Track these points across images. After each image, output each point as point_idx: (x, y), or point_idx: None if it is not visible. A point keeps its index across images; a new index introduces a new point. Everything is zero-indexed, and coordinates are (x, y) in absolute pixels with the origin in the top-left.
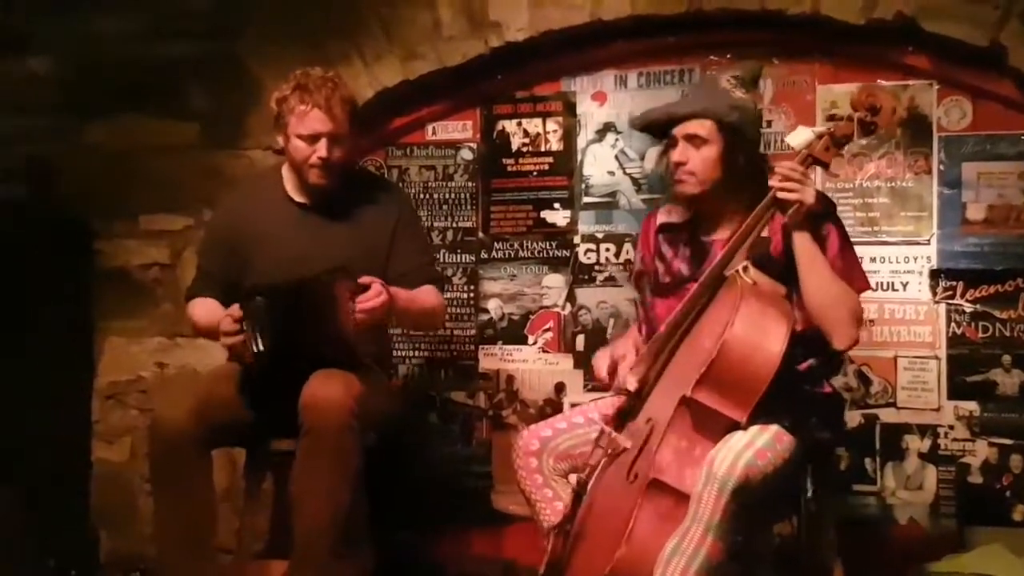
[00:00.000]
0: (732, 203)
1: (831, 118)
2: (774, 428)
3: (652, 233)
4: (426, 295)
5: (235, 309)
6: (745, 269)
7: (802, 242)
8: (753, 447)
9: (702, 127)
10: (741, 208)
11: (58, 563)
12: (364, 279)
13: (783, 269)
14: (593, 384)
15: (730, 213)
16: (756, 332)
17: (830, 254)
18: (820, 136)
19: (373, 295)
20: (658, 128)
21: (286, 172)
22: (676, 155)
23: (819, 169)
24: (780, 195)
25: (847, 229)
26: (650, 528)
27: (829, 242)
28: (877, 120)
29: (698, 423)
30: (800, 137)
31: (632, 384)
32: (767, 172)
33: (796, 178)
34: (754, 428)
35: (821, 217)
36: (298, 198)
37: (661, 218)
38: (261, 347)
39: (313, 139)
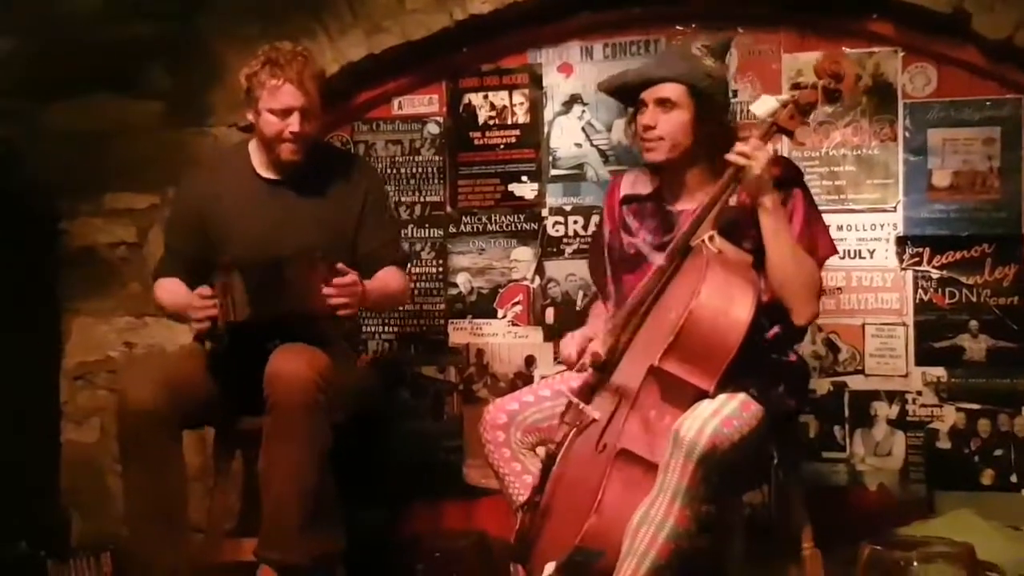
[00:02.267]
0: (701, 173)
1: (795, 87)
2: (741, 396)
3: (616, 205)
4: (392, 279)
5: (205, 289)
6: (711, 238)
7: (764, 215)
8: (720, 415)
9: (673, 91)
10: (710, 178)
11: (29, 545)
12: (340, 267)
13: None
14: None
15: (698, 183)
16: (722, 301)
17: (795, 222)
18: (784, 104)
19: (348, 285)
20: (627, 92)
21: (253, 148)
22: (645, 118)
23: (784, 137)
24: (736, 162)
25: (814, 197)
26: (619, 497)
27: (795, 210)
28: (841, 87)
29: (666, 393)
30: (764, 106)
31: (599, 351)
32: (735, 141)
33: (747, 148)
34: (721, 396)
35: (786, 184)
36: (266, 174)
37: (625, 189)
38: (235, 317)
39: (285, 113)
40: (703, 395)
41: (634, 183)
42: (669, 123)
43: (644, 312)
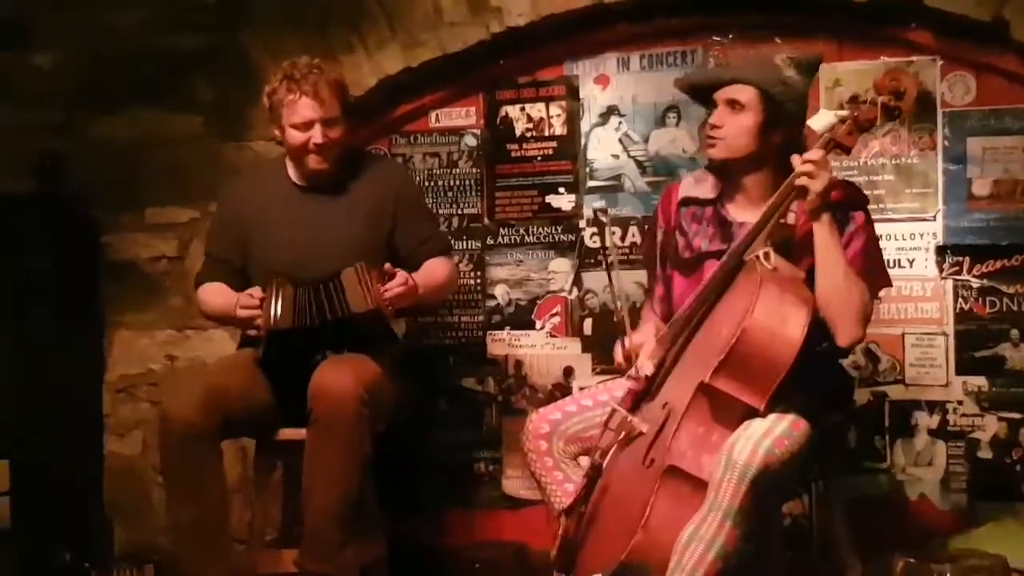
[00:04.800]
0: (764, 183)
1: (854, 100)
2: (791, 416)
3: (674, 206)
4: (438, 269)
5: (256, 290)
6: (766, 255)
7: (819, 232)
8: (772, 435)
9: (744, 93)
10: (772, 192)
11: (73, 556)
12: (388, 267)
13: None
14: (602, 368)
15: (760, 194)
16: (776, 319)
17: (854, 245)
18: (843, 120)
19: (400, 282)
20: (701, 92)
21: (288, 161)
22: (713, 117)
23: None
24: (798, 181)
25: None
26: (667, 514)
27: (855, 233)
28: (901, 105)
29: (716, 409)
30: (823, 121)
31: (648, 369)
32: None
33: (813, 166)
34: (772, 416)
35: (848, 208)
36: (301, 184)
37: (684, 191)
38: (277, 323)
39: (307, 126)
40: (753, 413)
41: (694, 186)
42: (735, 124)
43: (695, 326)
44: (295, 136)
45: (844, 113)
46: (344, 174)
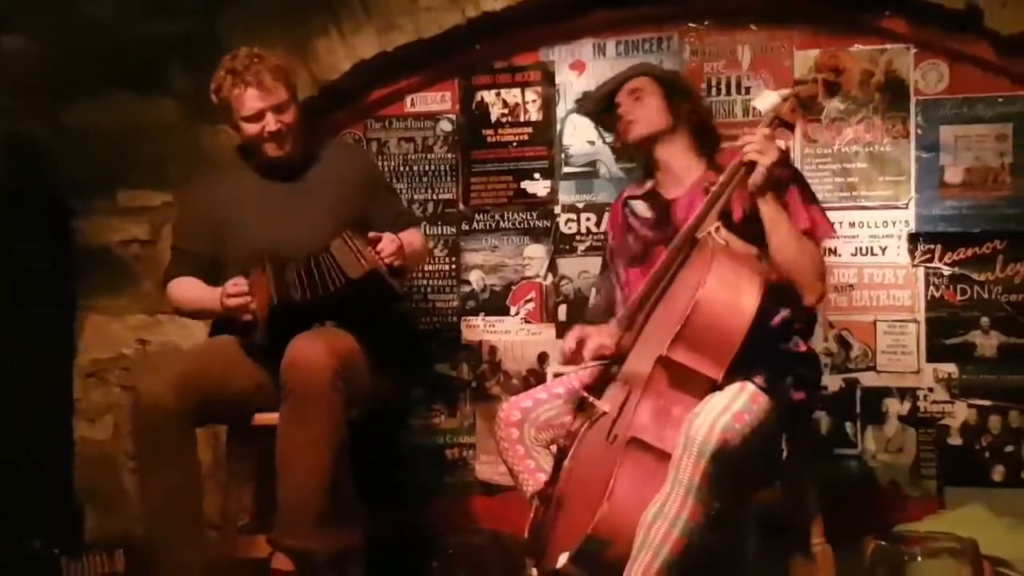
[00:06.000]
0: (686, 156)
1: (797, 82)
2: (751, 389)
3: (619, 209)
4: (413, 238)
5: (239, 278)
6: (717, 230)
7: (766, 203)
8: (730, 410)
9: (639, 84)
10: (698, 162)
11: (43, 542)
12: (372, 235)
13: (745, 235)
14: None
15: (686, 168)
16: (729, 289)
17: (797, 209)
18: (785, 98)
19: (389, 240)
20: (601, 107)
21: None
22: (620, 110)
23: (798, 134)
24: (747, 157)
25: (825, 193)
26: (631, 486)
27: (793, 198)
28: (840, 81)
29: (675, 382)
30: (766, 100)
31: (608, 348)
32: (714, 127)
33: (759, 139)
34: (731, 389)
35: (785, 177)
36: (264, 172)
37: (627, 192)
38: (275, 293)
39: (258, 117)
40: (712, 384)
41: (634, 188)
42: (641, 106)
43: (652, 306)
44: (249, 128)
45: (786, 92)
46: (307, 159)
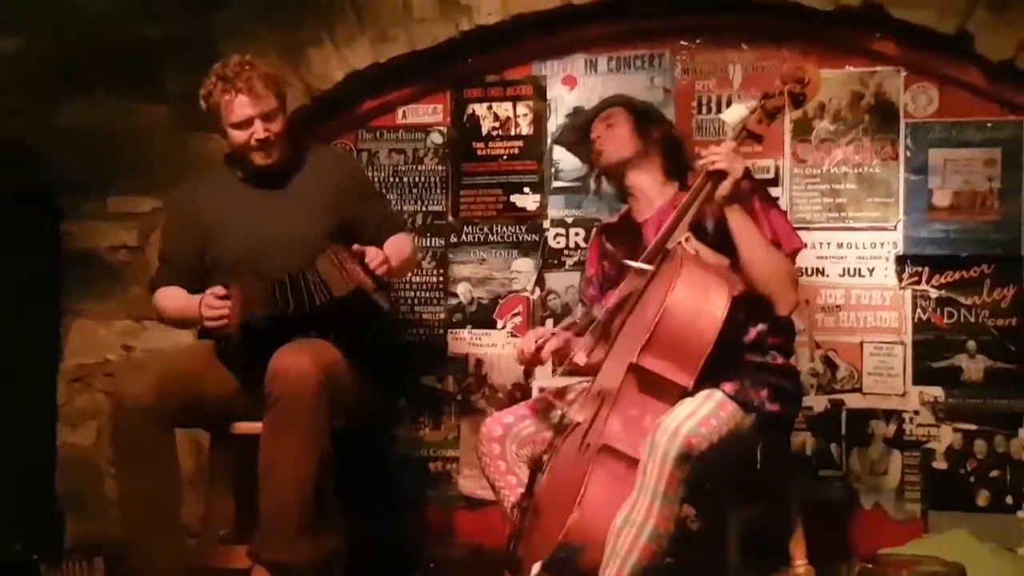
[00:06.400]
0: (657, 180)
1: (764, 95)
2: (718, 396)
3: (596, 240)
4: (402, 244)
5: (219, 288)
6: (687, 240)
7: (734, 215)
8: (696, 416)
9: (612, 113)
10: (669, 186)
11: (23, 547)
12: (356, 248)
13: (717, 247)
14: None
15: (658, 191)
16: (697, 296)
17: (763, 221)
18: (752, 110)
19: (374, 254)
20: (577, 137)
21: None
22: (593, 136)
23: (787, 154)
24: (712, 166)
25: (813, 213)
26: (602, 493)
27: (759, 210)
28: (805, 91)
29: (646, 390)
30: (734, 114)
31: (581, 359)
32: (685, 152)
33: (724, 151)
34: (699, 396)
35: (749, 189)
36: (250, 180)
37: (603, 221)
38: (253, 311)
39: (246, 124)
40: (683, 391)
41: (609, 217)
42: (612, 133)
43: (624, 317)
44: (237, 135)
45: (753, 103)
46: (293, 167)
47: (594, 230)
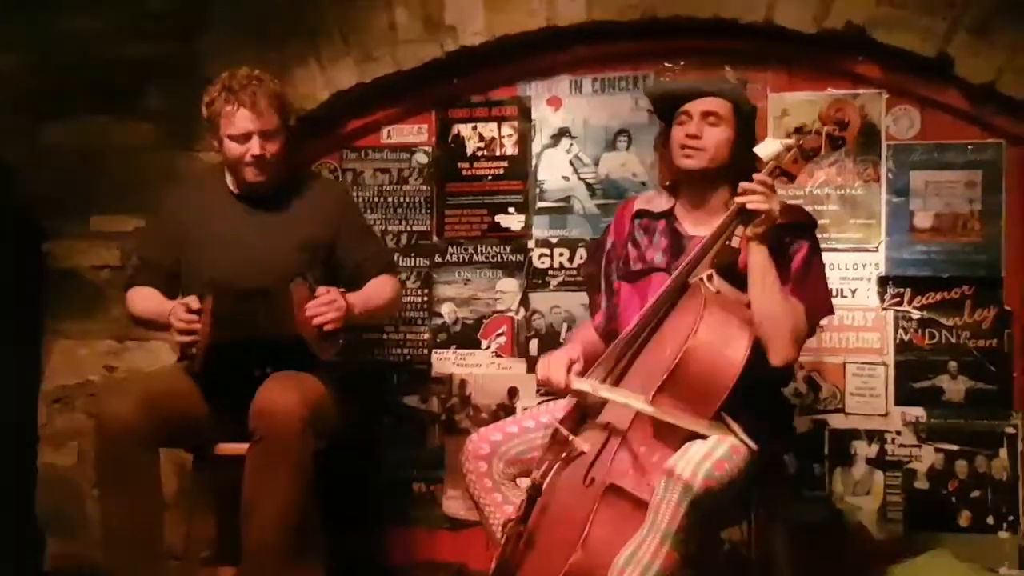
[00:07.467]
0: (722, 199)
1: (799, 131)
2: (731, 439)
3: (628, 218)
4: (383, 287)
5: (193, 300)
6: (709, 278)
7: (756, 254)
8: (712, 458)
9: (722, 107)
10: (725, 208)
11: (3, 570)
12: (321, 289)
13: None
14: (547, 389)
15: (717, 210)
16: (718, 341)
17: (795, 265)
18: (789, 148)
19: (327, 302)
20: (670, 102)
21: (227, 171)
22: (692, 127)
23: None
24: (749, 205)
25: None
26: (606, 533)
27: (797, 254)
28: (845, 135)
29: (658, 430)
30: (769, 148)
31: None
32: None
33: (763, 190)
34: (712, 437)
35: (797, 230)
36: (241, 196)
37: (639, 204)
38: (211, 340)
39: (244, 138)
40: (694, 434)
41: (650, 200)
42: (713, 136)
43: (639, 347)
44: (232, 148)
45: (790, 141)
46: (285, 190)
47: (629, 202)
